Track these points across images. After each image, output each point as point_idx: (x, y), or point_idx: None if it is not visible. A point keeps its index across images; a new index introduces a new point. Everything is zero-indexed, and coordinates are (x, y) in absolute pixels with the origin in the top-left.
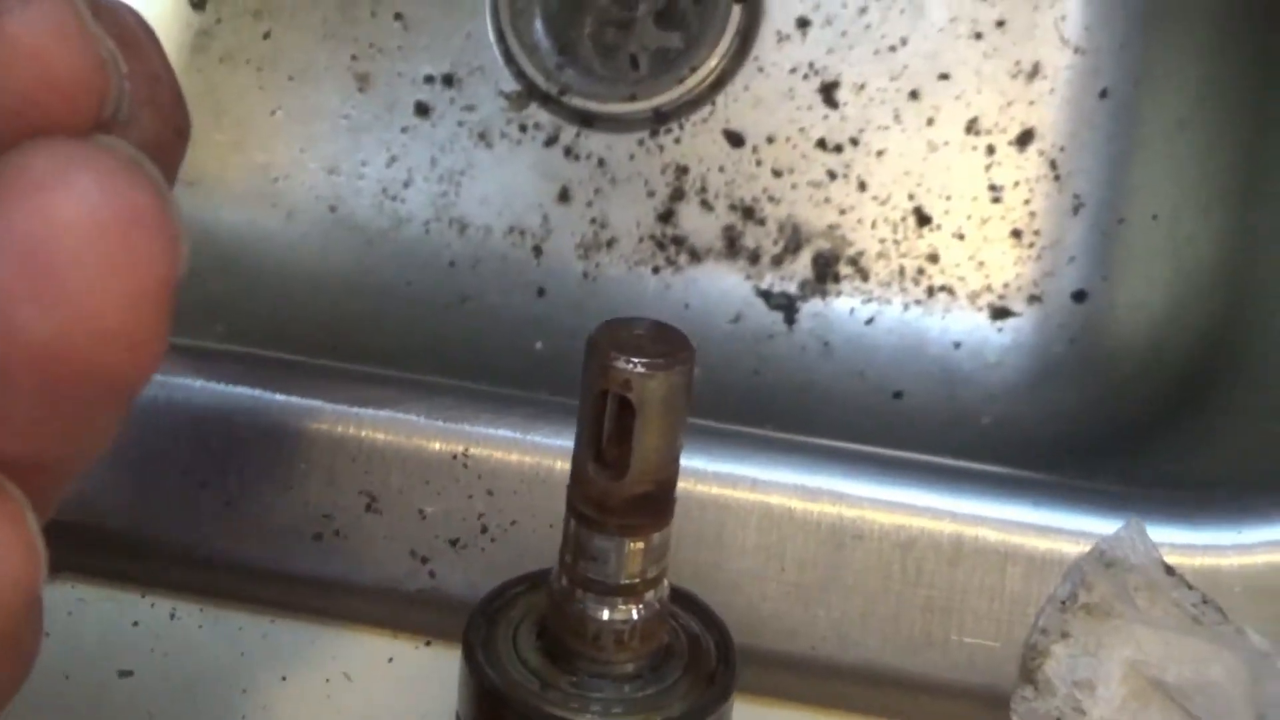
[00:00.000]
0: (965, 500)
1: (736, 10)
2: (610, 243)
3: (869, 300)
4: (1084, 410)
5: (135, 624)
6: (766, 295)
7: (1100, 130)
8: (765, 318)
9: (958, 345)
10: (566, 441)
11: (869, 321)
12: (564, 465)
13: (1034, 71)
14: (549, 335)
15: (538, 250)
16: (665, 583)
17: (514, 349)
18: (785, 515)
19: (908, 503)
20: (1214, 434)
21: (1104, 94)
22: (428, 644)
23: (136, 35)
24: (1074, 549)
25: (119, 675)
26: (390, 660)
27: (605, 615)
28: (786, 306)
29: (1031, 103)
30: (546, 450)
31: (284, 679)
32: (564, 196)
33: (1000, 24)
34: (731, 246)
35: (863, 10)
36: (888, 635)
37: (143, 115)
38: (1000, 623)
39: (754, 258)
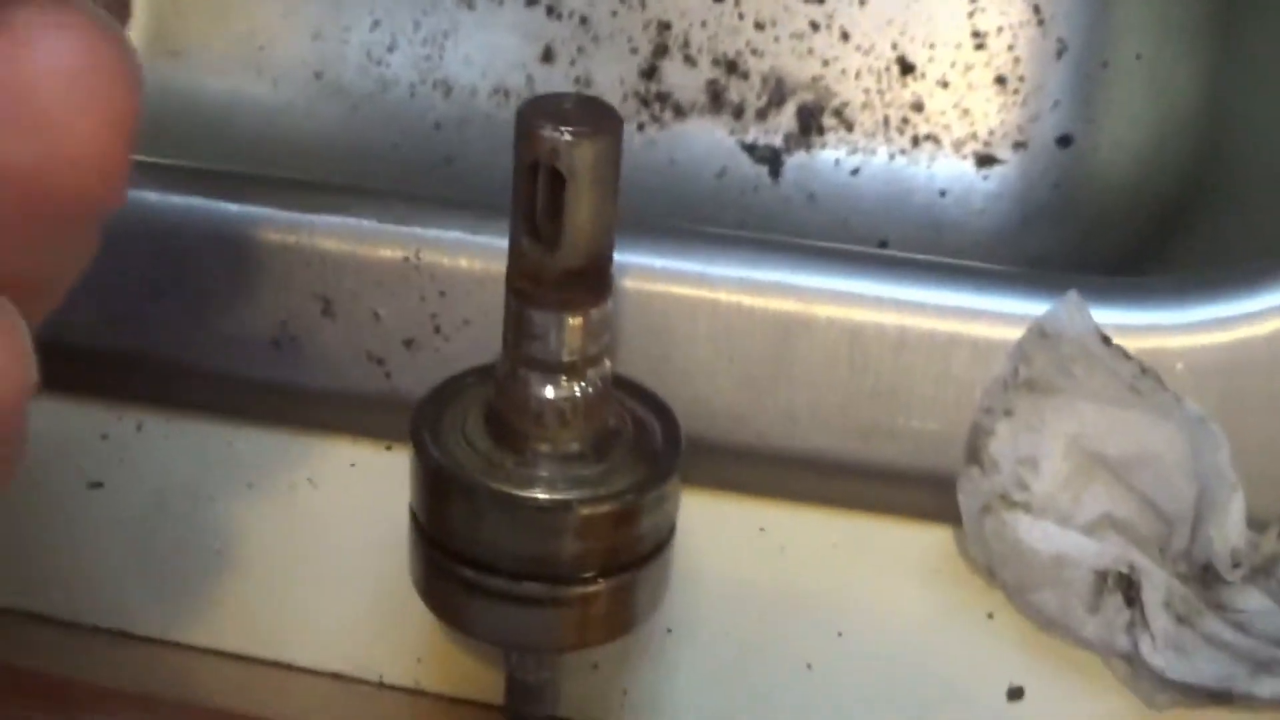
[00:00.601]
0: (909, 289)
1: None
2: None
3: (854, 151)
4: (1069, 254)
5: (104, 437)
6: (751, 149)
7: None
8: (750, 171)
9: (943, 194)
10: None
11: (854, 172)
12: None
13: None
14: None
15: None
16: (607, 363)
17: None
18: (733, 308)
19: (853, 292)
20: (1190, 267)
21: None
22: (388, 448)
23: None
24: (1018, 334)
25: (89, 487)
26: (353, 465)
27: (548, 393)
28: (771, 159)
29: None
30: (497, 251)
31: (250, 486)
32: (547, 56)
33: None
34: (715, 101)
35: None
36: (835, 423)
37: None
38: (947, 407)
39: (738, 112)
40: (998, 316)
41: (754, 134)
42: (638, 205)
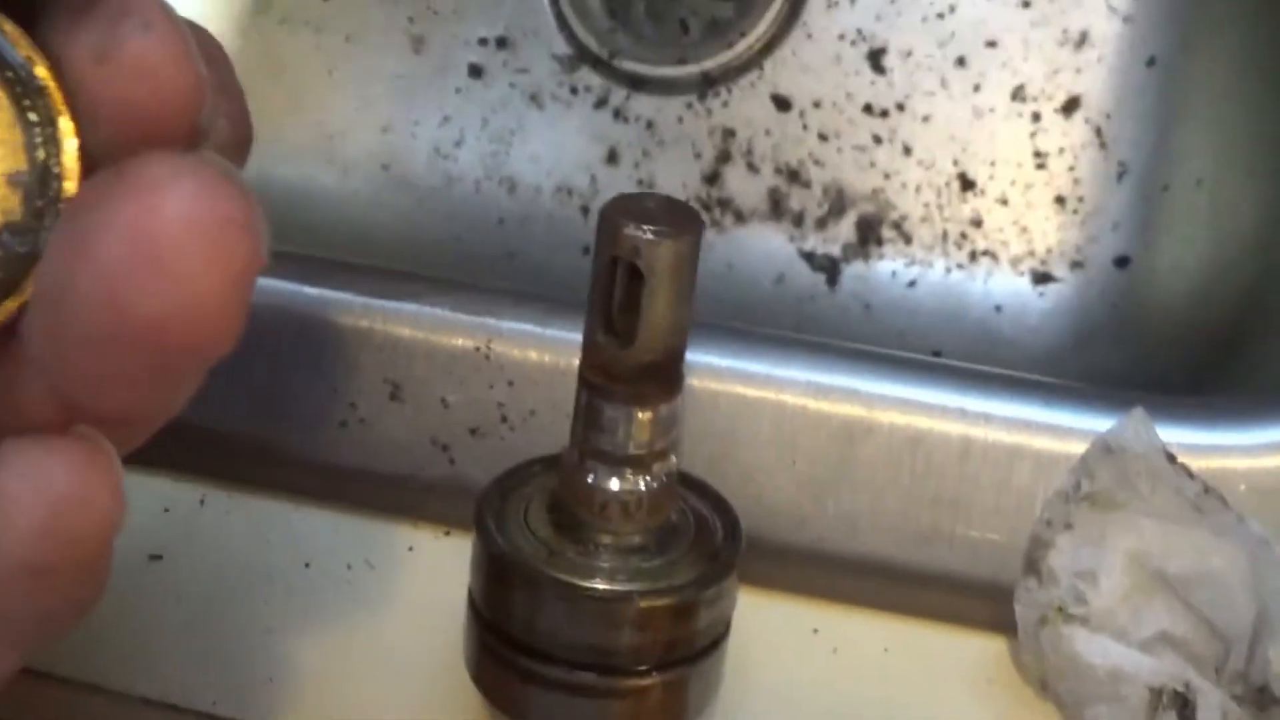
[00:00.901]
0: (974, 399)
1: None
2: None
3: (911, 263)
4: (1124, 375)
5: (166, 510)
6: (810, 257)
7: (1146, 98)
8: (808, 279)
9: (999, 309)
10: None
11: (911, 284)
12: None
13: (1081, 40)
14: None
15: (585, 210)
16: (673, 458)
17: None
18: (798, 411)
19: (918, 400)
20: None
21: (1151, 62)
22: (447, 533)
23: (215, 54)
24: (1082, 448)
25: (149, 559)
26: (410, 549)
27: (613, 486)
28: (829, 268)
29: (1078, 70)
30: (566, 344)
31: (307, 565)
32: (612, 158)
33: None
34: (776, 208)
35: None
36: (895, 529)
37: (218, 125)
38: (1006, 517)
39: (798, 220)
40: (1062, 430)
41: (813, 242)
42: (696, 310)
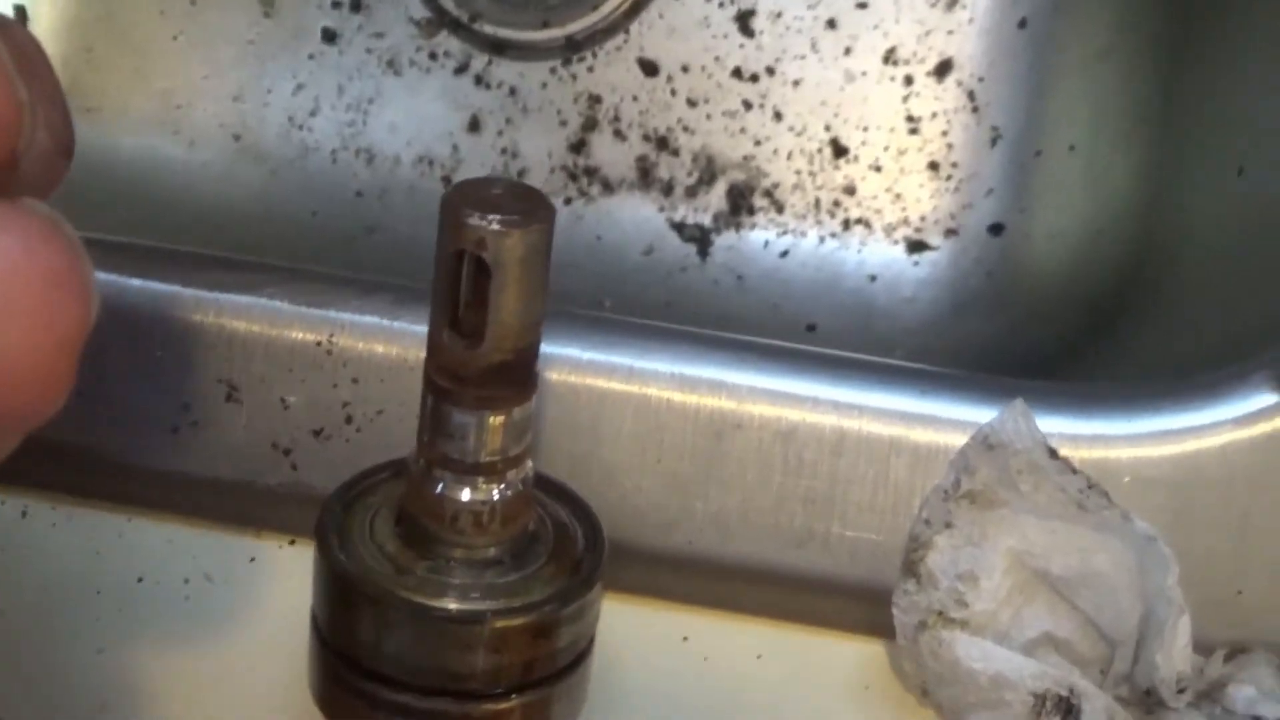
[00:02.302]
0: (848, 390)
1: None
2: (521, 173)
3: (784, 233)
4: (1000, 343)
5: None
6: (680, 227)
7: (1019, 60)
8: (679, 250)
9: (873, 278)
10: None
11: (784, 254)
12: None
13: (952, 1)
14: None
15: (447, 180)
16: (528, 464)
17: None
18: (663, 405)
19: (789, 392)
20: (1126, 363)
21: (1023, 24)
22: (291, 543)
23: (33, 58)
24: (962, 440)
25: None
26: (252, 560)
27: (464, 496)
28: (700, 239)
29: (950, 32)
30: (415, 338)
31: (140, 580)
32: (474, 126)
33: None
34: (645, 177)
35: None
36: (768, 529)
37: (38, 137)
38: (884, 515)
39: (667, 189)
40: (941, 421)
41: (683, 212)
42: (563, 282)
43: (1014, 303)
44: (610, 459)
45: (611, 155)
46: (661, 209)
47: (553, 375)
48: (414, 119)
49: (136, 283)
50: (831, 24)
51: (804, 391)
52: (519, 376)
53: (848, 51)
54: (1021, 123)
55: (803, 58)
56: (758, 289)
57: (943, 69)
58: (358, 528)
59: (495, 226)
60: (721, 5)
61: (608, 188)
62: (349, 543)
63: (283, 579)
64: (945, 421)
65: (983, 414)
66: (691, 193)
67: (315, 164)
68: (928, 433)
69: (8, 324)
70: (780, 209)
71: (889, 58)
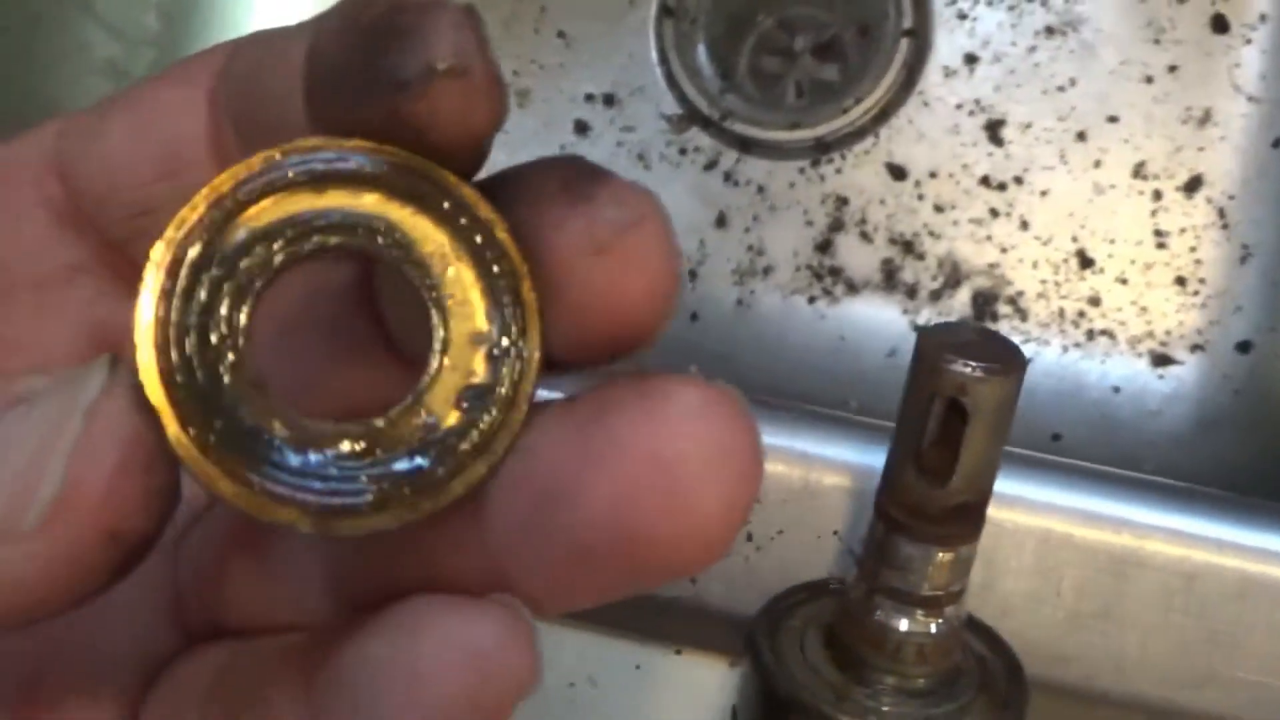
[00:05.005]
0: (1253, 533)
1: (904, 43)
2: (766, 270)
3: (1027, 340)
4: (1250, 463)
5: None
6: None
7: (1272, 179)
8: None
9: (1117, 390)
10: (833, 452)
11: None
12: (830, 478)
13: (1205, 118)
14: (702, 360)
15: (693, 274)
16: (964, 600)
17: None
18: (1064, 541)
19: (1192, 533)
20: None
21: (1277, 143)
22: (678, 652)
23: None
24: None
25: None
26: (638, 667)
27: (905, 626)
28: None
29: (1201, 149)
30: (814, 461)
31: None
32: (721, 222)
33: (1172, 69)
34: (889, 280)
35: (1032, 49)
36: (1167, 668)
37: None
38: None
39: (911, 292)
40: None
41: (927, 315)
42: (806, 380)
43: (1263, 421)
44: (1009, 591)
45: (857, 257)
46: (905, 311)
47: None
48: None
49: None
50: (1081, 136)
51: (1206, 533)
52: (974, 517)
53: (1097, 164)
54: (1273, 241)
55: (1051, 168)
56: None
57: (1193, 185)
58: (789, 648)
59: (977, 374)
60: (971, 114)
61: (852, 288)
62: (783, 662)
63: (668, 687)
64: None
65: None
66: (936, 297)
67: None
68: None
69: (704, 493)
70: (1024, 317)
71: (1138, 172)
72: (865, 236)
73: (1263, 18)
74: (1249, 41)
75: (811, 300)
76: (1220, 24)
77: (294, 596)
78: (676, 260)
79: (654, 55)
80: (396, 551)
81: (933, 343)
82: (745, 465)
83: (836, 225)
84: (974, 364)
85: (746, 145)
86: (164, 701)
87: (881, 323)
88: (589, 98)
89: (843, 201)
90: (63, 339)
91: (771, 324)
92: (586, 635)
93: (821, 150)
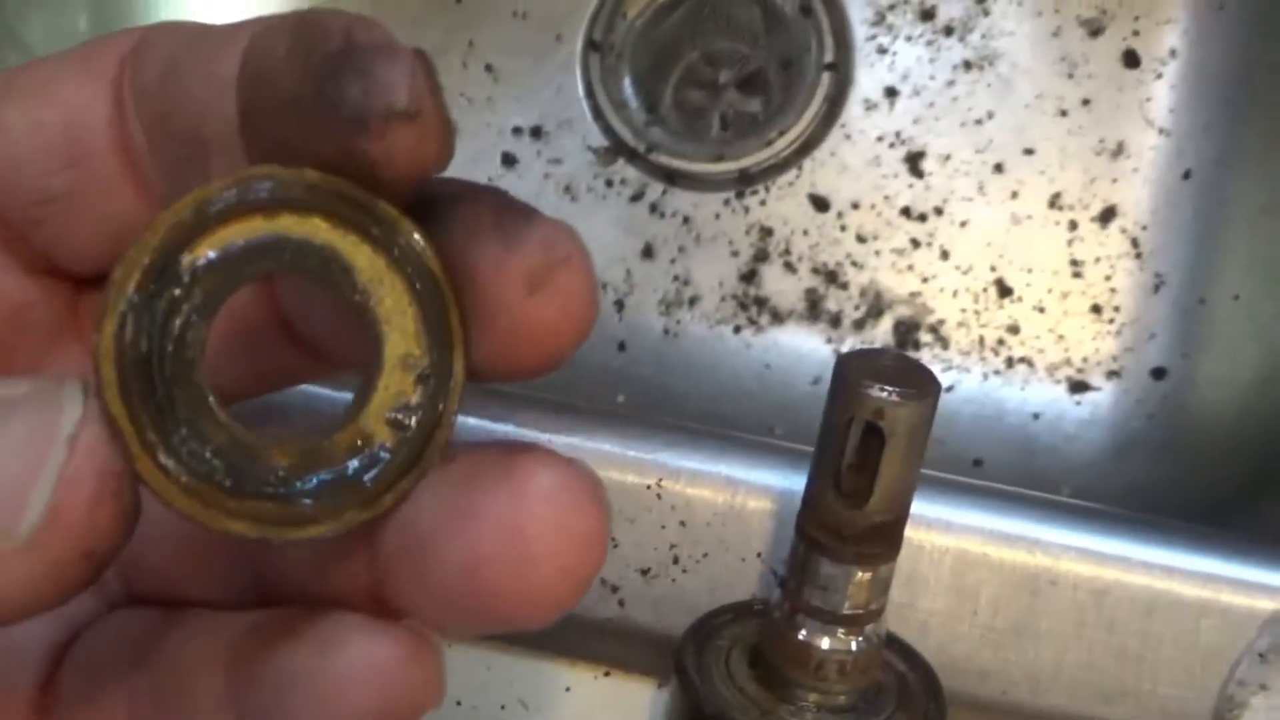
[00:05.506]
0: (1160, 551)
1: (825, 77)
2: (693, 300)
3: (949, 368)
4: (1163, 486)
5: None
6: None
7: (1183, 210)
8: None
9: (1036, 416)
10: (757, 476)
11: (948, 389)
12: (754, 501)
13: (1118, 150)
14: (630, 389)
15: (619, 305)
16: (884, 618)
17: (595, 401)
18: (980, 560)
19: (1102, 552)
20: None
21: (1187, 175)
22: (606, 674)
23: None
24: (1271, 604)
25: None
26: (568, 689)
27: (827, 644)
28: None
29: (1115, 180)
30: (739, 484)
31: (459, 703)
32: (648, 252)
33: (1086, 102)
34: (813, 309)
35: (950, 83)
36: (1080, 682)
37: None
38: (1194, 674)
39: (835, 321)
40: (1251, 586)
41: (850, 344)
42: (731, 408)
43: (1176, 448)
44: (927, 609)
45: (781, 286)
46: (829, 340)
47: None
48: (589, 243)
49: (470, 421)
50: (999, 168)
51: (1117, 551)
52: (893, 536)
53: (1014, 195)
54: (1184, 270)
55: (970, 199)
56: None
57: (1107, 215)
58: (716, 667)
59: (893, 398)
60: (892, 146)
61: (777, 318)
62: (710, 681)
63: (598, 709)
64: (1255, 586)
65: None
66: (859, 326)
67: None
68: (1238, 596)
69: (554, 566)
70: (946, 345)
71: (1054, 202)
72: (789, 267)
73: (1173, 53)
74: (1159, 76)
75: (737, 330)
76: (1132, 59)
77: (219, 578)
78: (596, 290)
79: (580, 89)
80: (301, 559)
81: (852, 368)
82: (588, 542)
83: (761, 256)
84: (890, 388)
85: (672, 177)
86: (85, 666)
87: (806, 351)
88: (516, 130)
89: (767, 232)
90: None
91: (698, 353)
92: (516, 658)
93: (746, 182)
